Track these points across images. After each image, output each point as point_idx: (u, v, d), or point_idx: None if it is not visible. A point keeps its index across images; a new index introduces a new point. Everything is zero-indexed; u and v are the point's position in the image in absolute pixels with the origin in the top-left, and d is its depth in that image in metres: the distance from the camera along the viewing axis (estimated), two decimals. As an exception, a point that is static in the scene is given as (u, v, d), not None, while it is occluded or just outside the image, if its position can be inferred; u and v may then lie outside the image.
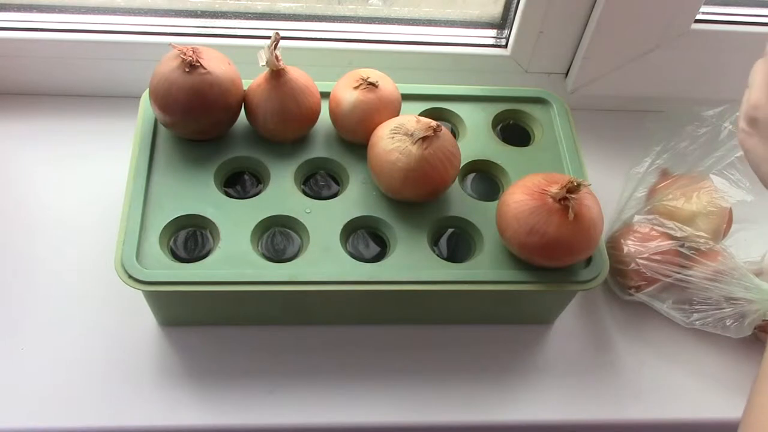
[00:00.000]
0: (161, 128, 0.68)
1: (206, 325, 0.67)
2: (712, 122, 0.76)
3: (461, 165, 0.66)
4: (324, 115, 0.69)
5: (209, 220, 0.63)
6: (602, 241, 0.64)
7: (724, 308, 0.66)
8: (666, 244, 0.68)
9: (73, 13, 0.77)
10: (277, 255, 0.63)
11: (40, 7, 0.77)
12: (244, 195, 0.66)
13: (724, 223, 0.69)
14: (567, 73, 0.83)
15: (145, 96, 0.69)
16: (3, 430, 0.60)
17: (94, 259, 0.69)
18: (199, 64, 0.63)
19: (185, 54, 0.62)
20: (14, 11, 0.77)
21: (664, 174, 0.75)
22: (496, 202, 0.64)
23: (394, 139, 0.62)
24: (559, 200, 0.58)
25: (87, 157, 0.77)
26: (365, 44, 0.80)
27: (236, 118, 0.68)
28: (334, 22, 0.81)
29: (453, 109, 0.73)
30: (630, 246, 0.69)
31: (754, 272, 0.66)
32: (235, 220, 0.63)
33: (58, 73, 0.79)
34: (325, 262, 0.61)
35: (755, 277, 0.66)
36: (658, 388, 0.68)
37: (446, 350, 0.68)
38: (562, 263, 0.62)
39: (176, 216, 0.62)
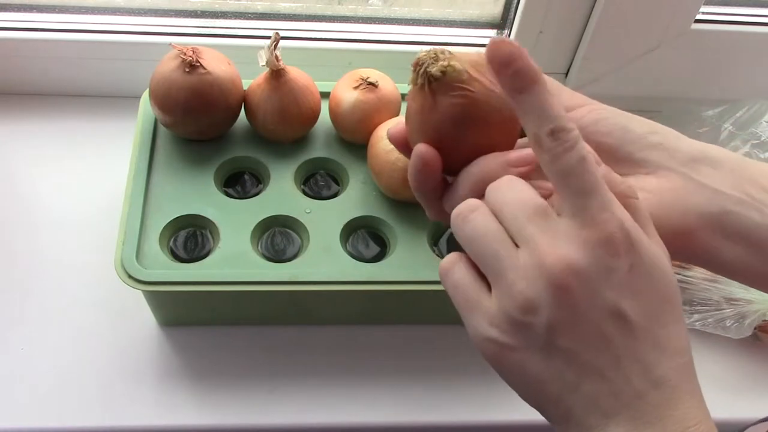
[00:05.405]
0: (161, 128, 0.68)
1: (206, 325, 0.67)
2: (712, 122, 0.76)
3: (461, 165, 0.66)
4: (324, 115, 0.69)
5: (209, 220, 0.63)
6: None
7: (724, 309, 0.66)
8: (666, 244, 0.68)
9: (73, 13, 0.77)
10: (277, 255, 0.63)
11: (40, 7, 0.77)
12: (244, 195, 0.66)
13: (724, 223, 0.69)
14: (567, 73, 0.83)
15: (145, 96, 0.68)
16: (3, 430, 0.60)
17: (94, 259, 0.69)
18: (199, 64, 0.63)
19: (185, 54, 0.62)
20: (14, 11, 0.77)
21: (664, 174, 0.74)
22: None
23: (394, 139, 0.62)
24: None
25: (87, 157, 0.77)
26: (365, 44, 0.80)
27: (236, 118, 0.68)
28: (334, 22, 0.81)
29: (453, 109, 0.73)
30: (630, 246, 0.69)
31: (754, 272, 0.66)
32: (235, 220, 0.63)
33: (58, 73, 0.79)
34: (325, 262, 0.61)
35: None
36: (658, 388, 0.67)
37: (446, 350, 0.68)
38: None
39: (176, 216, 0.62)
